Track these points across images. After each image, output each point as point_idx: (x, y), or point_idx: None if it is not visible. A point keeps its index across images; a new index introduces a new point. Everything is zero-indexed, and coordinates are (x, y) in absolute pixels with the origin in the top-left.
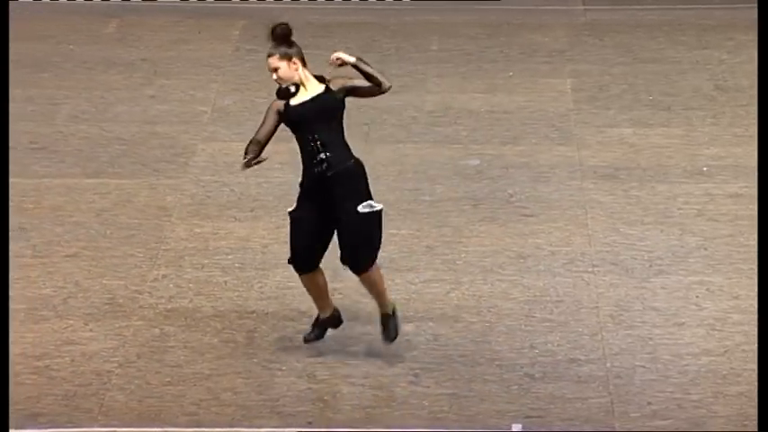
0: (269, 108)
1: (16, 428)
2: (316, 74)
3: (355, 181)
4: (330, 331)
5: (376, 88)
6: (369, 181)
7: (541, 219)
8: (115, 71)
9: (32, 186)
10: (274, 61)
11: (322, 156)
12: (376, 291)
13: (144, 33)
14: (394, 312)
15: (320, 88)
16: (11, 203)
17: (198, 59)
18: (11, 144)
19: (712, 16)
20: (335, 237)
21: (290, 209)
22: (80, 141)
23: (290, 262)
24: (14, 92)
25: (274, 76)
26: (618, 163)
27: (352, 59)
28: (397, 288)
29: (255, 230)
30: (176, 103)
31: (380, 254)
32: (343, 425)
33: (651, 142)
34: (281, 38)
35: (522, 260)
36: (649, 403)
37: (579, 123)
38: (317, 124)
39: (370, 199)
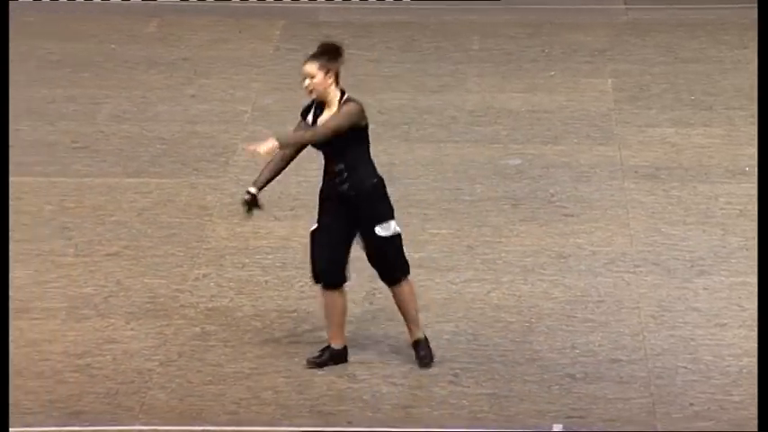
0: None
1: (58, 426)
2: (345, 94)
3: (375, 201)
4: (369, 331)
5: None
6: (389, 198)
7: (582, 219)
8: (156, 71)
9: (74, 186)
10: (312, 69)
11: (344, 176)
12: (406, 308)
13: (184, 33)
14: (425, 338)
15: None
16: (53, 203)
17: (238, 59)
18: (53, 143)
19: (754, 15)
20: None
21: (311, 228)
22: (121, 141)
23: (316, 281)
24: (56, 91)
25: (306, 82)
26: (659, 163)
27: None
28: (437, 288)
29: (296, 230)
30: (217, 103)
31: (421, 254)
32: (382, 424)
33: (692, 142)
34: (328, 51)
35: (562, 260)
36: (691, 404)
37: (620, 123)
38: (336, 150)
39: (392, 218)
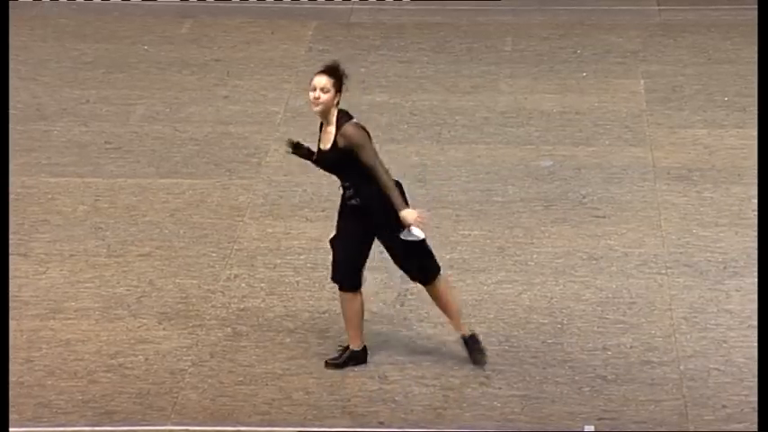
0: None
1: (91, 426)
2: (342, 112)
3: (390, 208)
4: (401, 332)
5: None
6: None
7: (614, 220)
8: (189, 72)
9: (107, 186)
10: (327, 83)
11: (352, 191)
12: (444, 305)
13: (217, 34)
14: (473, 336)
15: (331, 141)
16: (86, 203)
17: (271, 60)
18: (86, 143)
19: None
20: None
21: (330, 237)
22: (154, 141)
23: (333, 280)
24: (90, 92)
25: (314, 95)
26: (691, 164)
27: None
28: (468, 289)
29: (327, 230)
30: (249, 104)
31: (452, 255)
32: (414, 425)
33: (725, 143)
34: (339, 72)
35: (594, 261)
36: (724, 406)
37: (652, 124)
38: (341, 171)
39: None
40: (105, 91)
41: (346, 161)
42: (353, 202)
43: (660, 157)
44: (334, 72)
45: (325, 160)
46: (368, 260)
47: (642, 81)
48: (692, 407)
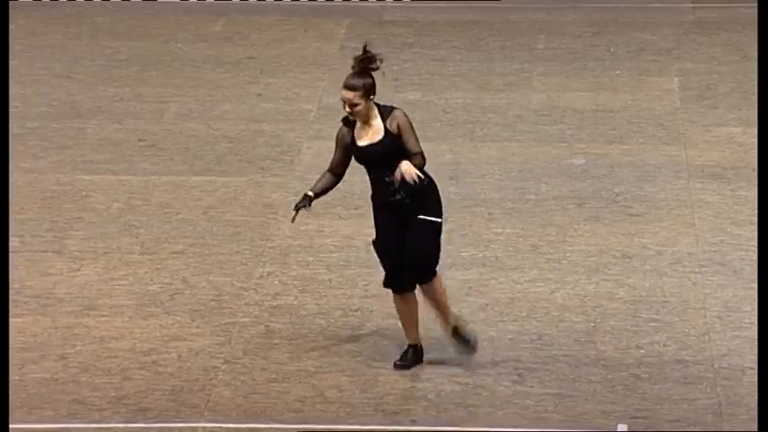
0: (336, 138)
1: (125, 422)
2: (380, 104)
3: (426, 198)
4: (433, 331)
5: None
6: (441, 198)
7: (647, 218)
8: (222, 69)
9: (141, 183)
10: (355, 98)
11: (396, 186)
12: (438, 303)
13: (251, 32)
14: (460, 327)
15: (381, 131)
16: (120, 200)
17: (304, 58)
18: (120, 141)
19: None
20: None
21: (372, 239)
22: (187, 139)
23: (385, 285)
24: (123, 90)
25: (348, 109)
26: (725, 162)
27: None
28: (501, 287)
29: (360, 228)
30: (282, 102)
31: (485, 253)
32: (446, 423)
33: None
34: (365, 69)
35: (627, 260)
36: None
37: (686, 122)
38: (386, 164)
39: (438, 216)
40: (139, 89)
41: (399, 147)
42: (397, 197)
43: (694, 155)
44: (357, 78)
45: (375, 152)
46: None
47: (676, 79)
48: (727, 406)
